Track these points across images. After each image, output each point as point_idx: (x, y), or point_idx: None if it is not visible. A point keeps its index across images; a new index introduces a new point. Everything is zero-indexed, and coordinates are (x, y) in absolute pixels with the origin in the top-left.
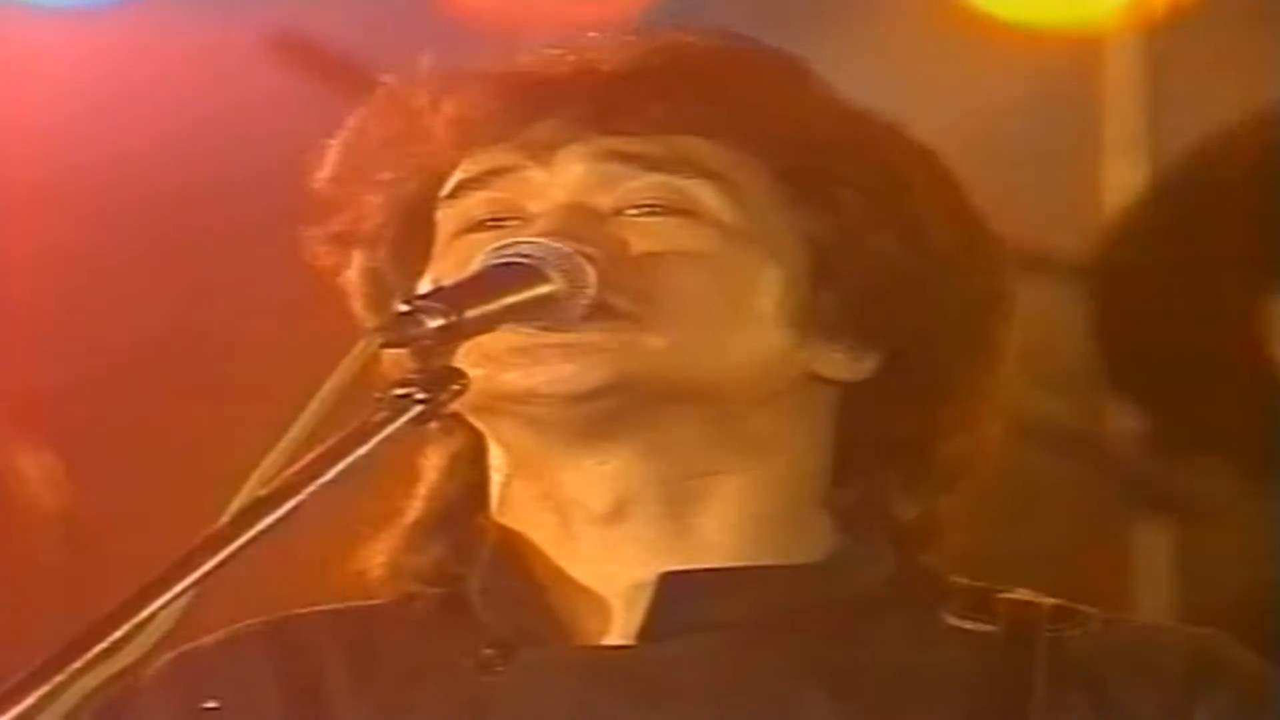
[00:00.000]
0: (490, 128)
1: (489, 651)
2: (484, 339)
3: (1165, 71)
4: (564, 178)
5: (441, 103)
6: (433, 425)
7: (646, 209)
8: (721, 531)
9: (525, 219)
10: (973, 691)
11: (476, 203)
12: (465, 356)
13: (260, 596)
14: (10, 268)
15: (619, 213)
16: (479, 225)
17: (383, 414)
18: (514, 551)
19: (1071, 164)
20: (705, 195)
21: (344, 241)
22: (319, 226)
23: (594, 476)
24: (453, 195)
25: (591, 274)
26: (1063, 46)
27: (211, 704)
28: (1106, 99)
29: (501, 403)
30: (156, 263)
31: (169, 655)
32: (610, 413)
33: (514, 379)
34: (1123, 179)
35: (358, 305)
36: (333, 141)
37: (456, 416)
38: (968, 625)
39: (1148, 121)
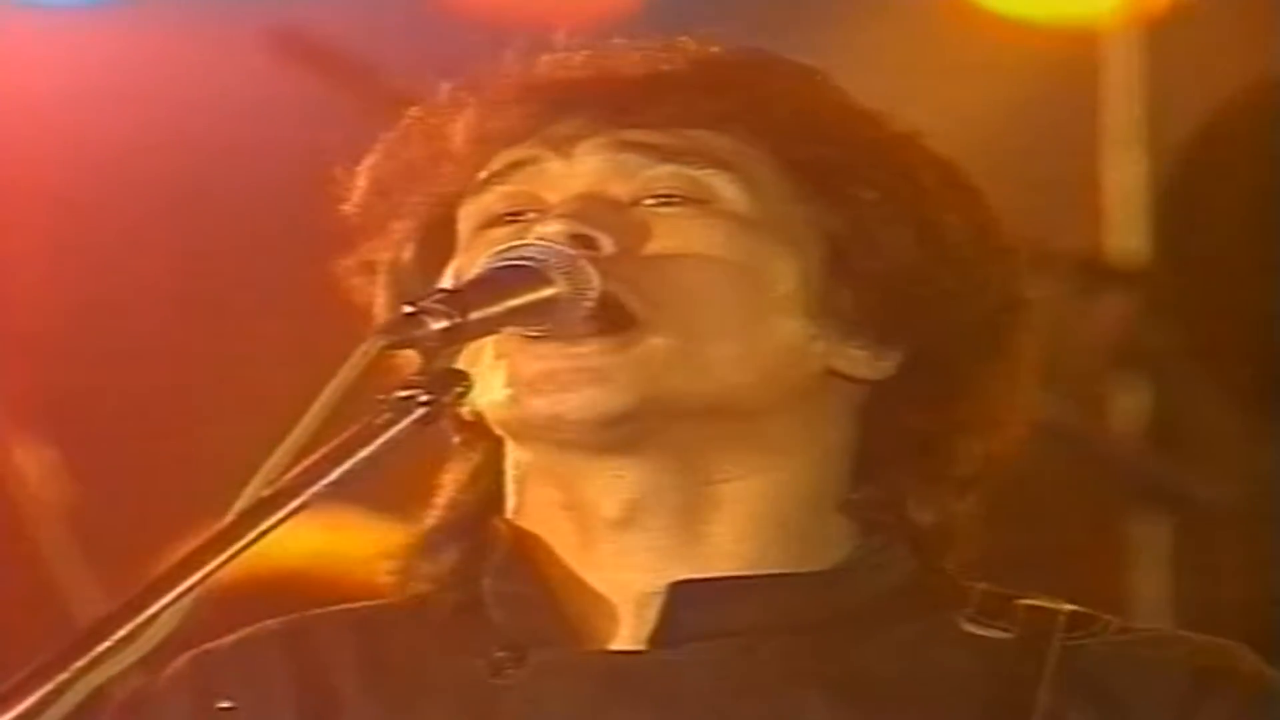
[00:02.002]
0: (511, 131)
1: (500, 654)
2: (512, 363)
3: (1163, 65)
4: (582, 168)
5: (463, 118)
6: (455, 441)
7: (663, 199)
8: (735, 539)
9: (543, 211)
10: (981, 698)
11: (496, 197)
12: (493, 377)
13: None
14: (10, 267)
15: (636, 202)
16: (498, 220)
17: (386, 415)
18: (528, 554)
19: (1069, 159)
20: (720, 185)
21: (372, 267)
22: (348, 255)
23: (608, 487)
24: (474, 191)
25: (595, 277)
26: (1060, 41)
27: (226, 704)
28: (1104, 93)
29: (529, 428)
30: (158, 262)
31: (186, 655)
32: (635, 433)
33: (542, 405)
34: (1121, 174)
35: (379, 310)
36: (359, 170)
37: (477, 428)
38: (982, 631)
39: (1146, 115)
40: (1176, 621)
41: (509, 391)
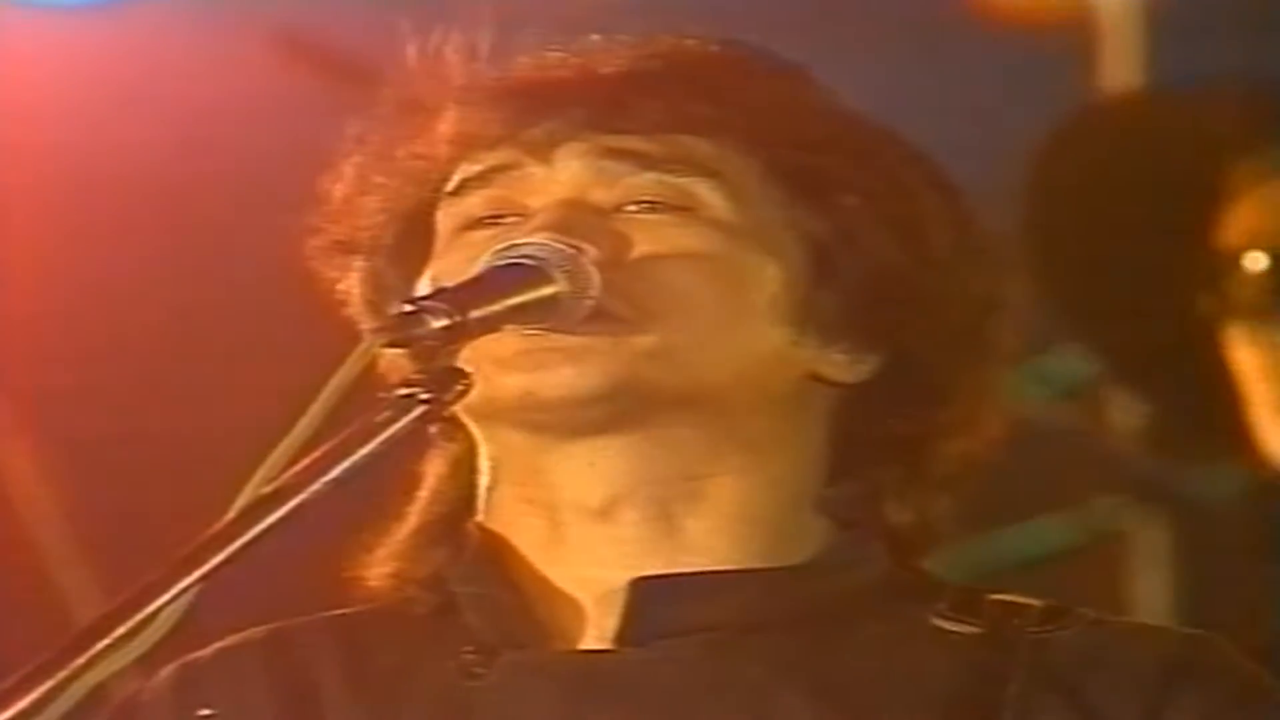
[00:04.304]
0: (491, 132)
1: (470, 655)
2: (488, 342)
3: (1163, 63)
4: (563, 174)
5: (444, 111)
6: (435, 430)
7: (646, 205)
8: (710, 534)
9: (525, 215)
10: (950, 693)
11: (477, 201)
12: (468, 357)
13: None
14: (10, 266)
15: (618, 209)
16: (479, 222)
17: (386, 413)
18: (496, 555)
19: None
20: (703, 192)
21: (345, 249)
22: (320, 236)
23: (584, 475)
24: (454, 193)
25: (595, 276)
26: (1059, 34)
27: (206, 712)
28: (1103, 90)
29: (501, 406)
30: (158, 261)
31: (170, 666)
32: (607, 416)
33: (515, 382)
34: None
35: (356, 308)
36: (339, 154)
37: (458, 421)
38: (953, 627)
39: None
40: (1177, 622)
41: (480, 371)
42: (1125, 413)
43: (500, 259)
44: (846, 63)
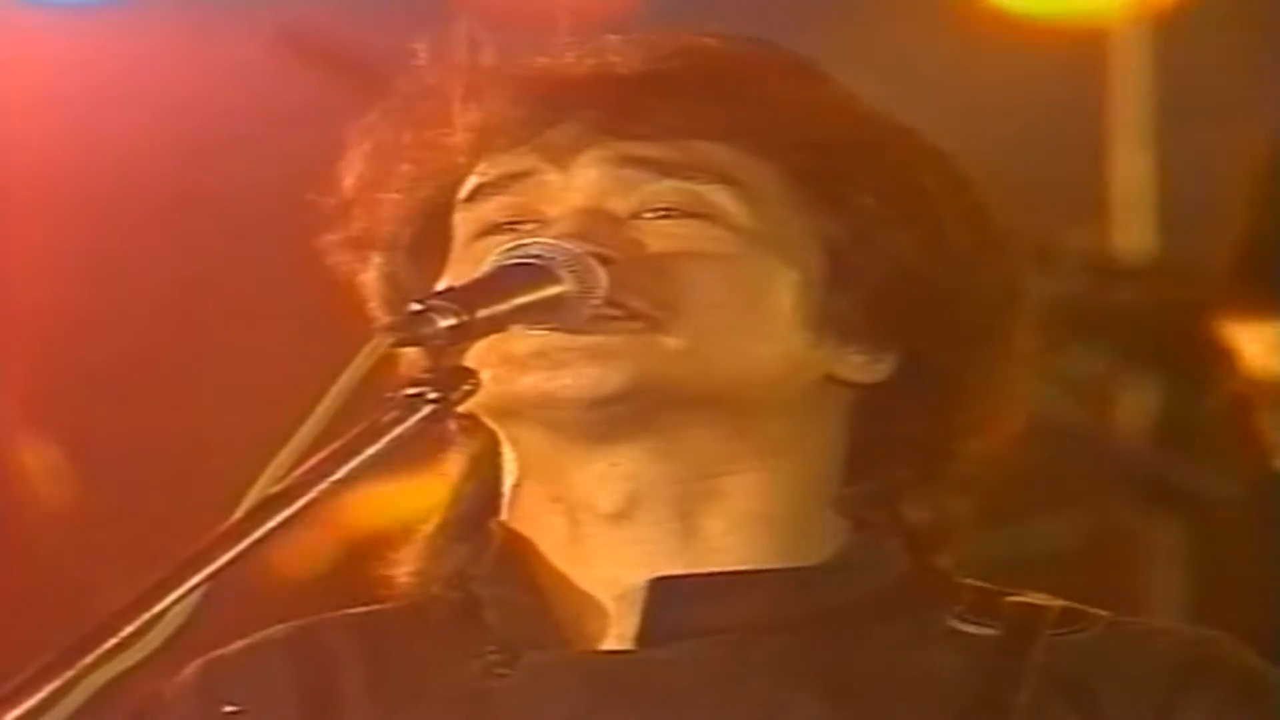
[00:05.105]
0: (507, 132)
1: (493, 655)
2: (504, 341)
3: (1170, 65)
4: (580, 182)
5: (458, 106)
6: (453, 428)
7: (663, 212)
8: (729, 534)
9: (542, 222)
10: (965, 695)
11: (494, 207)
12: (484, 358)
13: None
14: (12, 266)
15: (636, 216)
16: (496, 228)
17: (394, 413)
18: (519, 555)
19: (1077, 157)
20: (721, 199)
21: (362, 245)
22: (338, 231)
23: (605, 477)
24: (470, 199)
25: (602, 275)
26: (1068, 40)
27: (231, 708)
28: (1112, 92)
29: (519, 406)
30: (159, 260)
31: (195, 663)
32: (628, 416)
33: (534, 383)
34: (1129, 172)
35: (374, 307)
36: (350, 146)
37: (475, 419)
38: (969, 628)
39: (1153, 115)
40: (1186, 619)
41: (498, 370)
42: (1133, 412)
43: (507, 258)
44: (854, 56)
